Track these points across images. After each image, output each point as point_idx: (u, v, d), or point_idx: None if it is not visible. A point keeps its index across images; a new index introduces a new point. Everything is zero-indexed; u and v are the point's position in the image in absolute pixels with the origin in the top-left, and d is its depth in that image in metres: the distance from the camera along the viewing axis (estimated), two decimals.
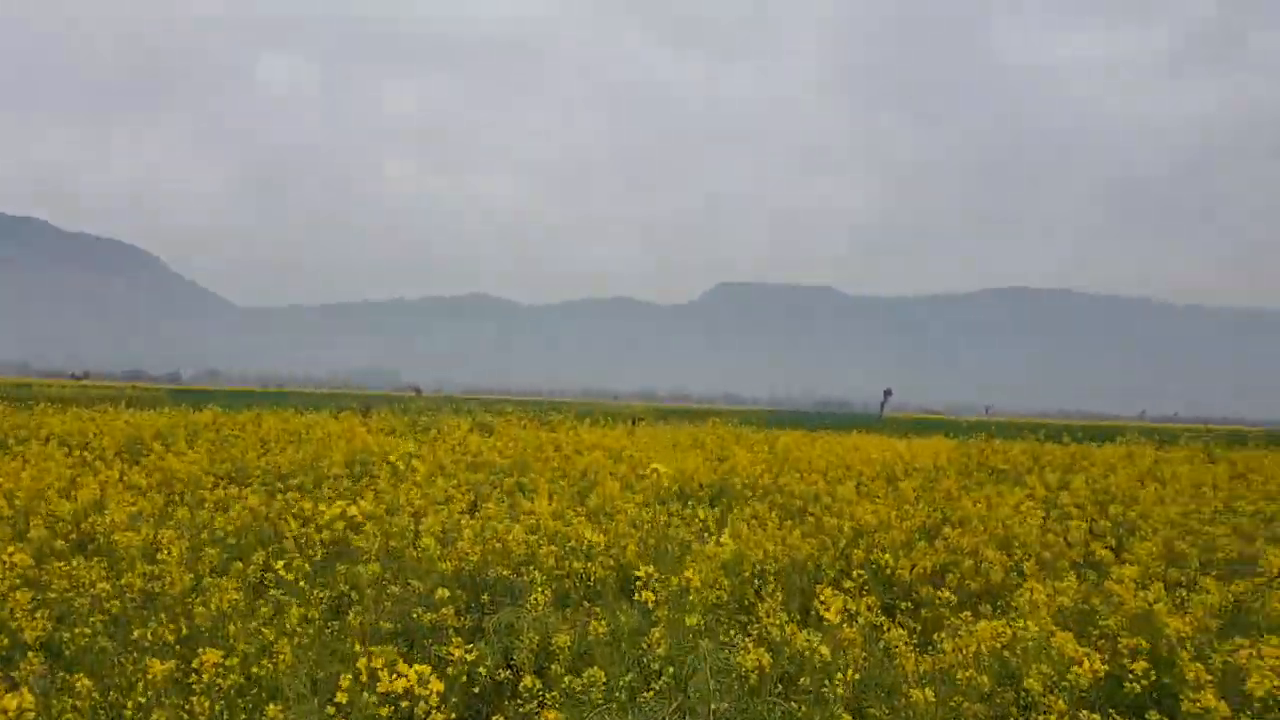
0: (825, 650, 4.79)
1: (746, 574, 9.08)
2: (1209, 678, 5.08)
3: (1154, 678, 5.72)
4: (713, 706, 4.74)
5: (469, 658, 5.56)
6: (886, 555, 10.01)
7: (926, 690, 4.64)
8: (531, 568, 8.33)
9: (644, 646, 5.56)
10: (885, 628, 6.78)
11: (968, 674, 5.29)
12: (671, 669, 4.83)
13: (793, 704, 4.58)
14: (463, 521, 10.06)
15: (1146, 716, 4.61)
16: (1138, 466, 22.13)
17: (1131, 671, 5.54)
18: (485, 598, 8.06)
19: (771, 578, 8.68)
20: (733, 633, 6.94)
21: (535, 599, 7.17)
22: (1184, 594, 7.27)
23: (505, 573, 8.40)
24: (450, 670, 5.38)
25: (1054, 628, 5.63)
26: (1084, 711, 4.01)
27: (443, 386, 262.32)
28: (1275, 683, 4.13)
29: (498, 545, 9.09)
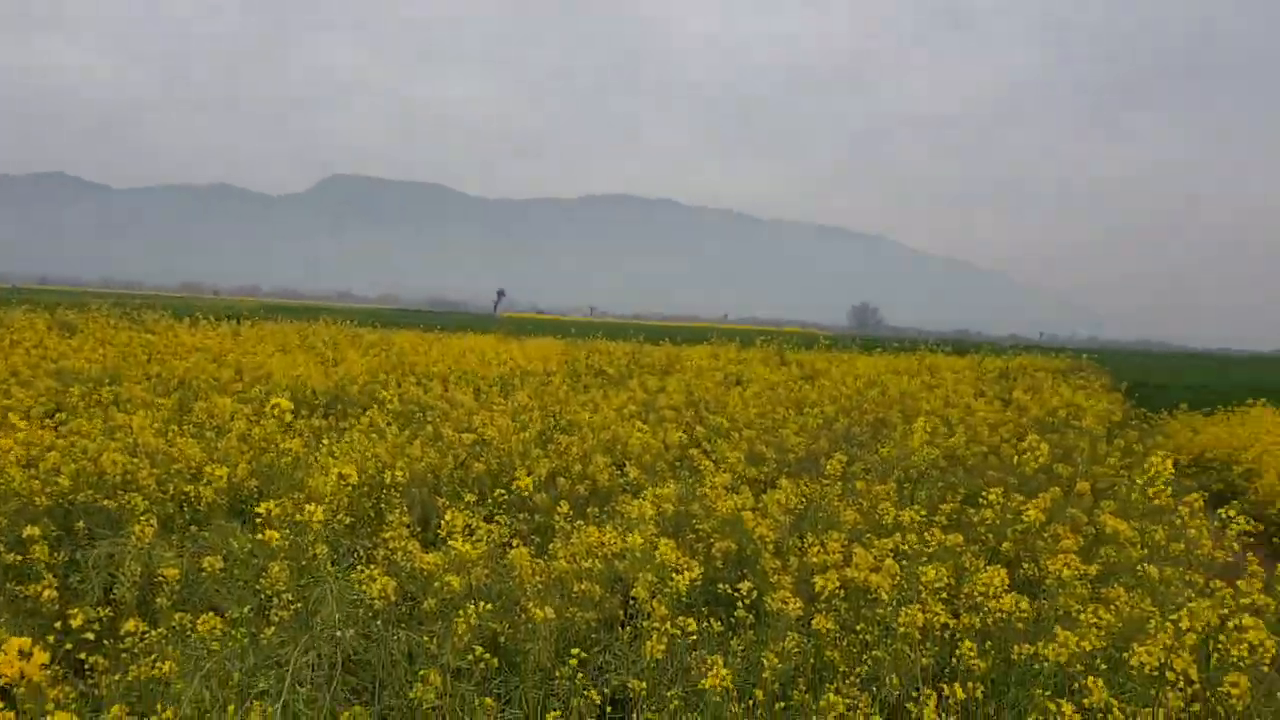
0: (455, 581, 4.93)
1: (365, 489, 9.00)
2: (788, 578, 5.83)
3: (743, 576, 6.46)
4: (339, 634, 4.73)
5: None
6: (505, 465, 10.37)
7: (546, 608, 4.94)
8: (131, 492, 7.72)
9: (263, 578, 5.40)
10: (508, 542, 7.06)
11: (582, 586, 5.69)
12: (295, 602, 4.75)
13: (423, 635, 4.69)
14: (47, 439, 9.07)
15: (735, 614, 5.24)
16: (723, 368, 24.36)
17: (722, 573, 6.24)
18: (80, 526, 7.38)
19: (394, 492, 8.67)
20: (358, 552, 6.91)
21: (137, 528, 6.67)
22: (760, 500, 8.19)
23: (101, 499, 7.72)
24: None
25: (657, 536, 6.16)
26: (680, 617, 4.48)
27: (8, 277, 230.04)
28: (837, 584, 4.84)
29: (90, 467, 8.31)
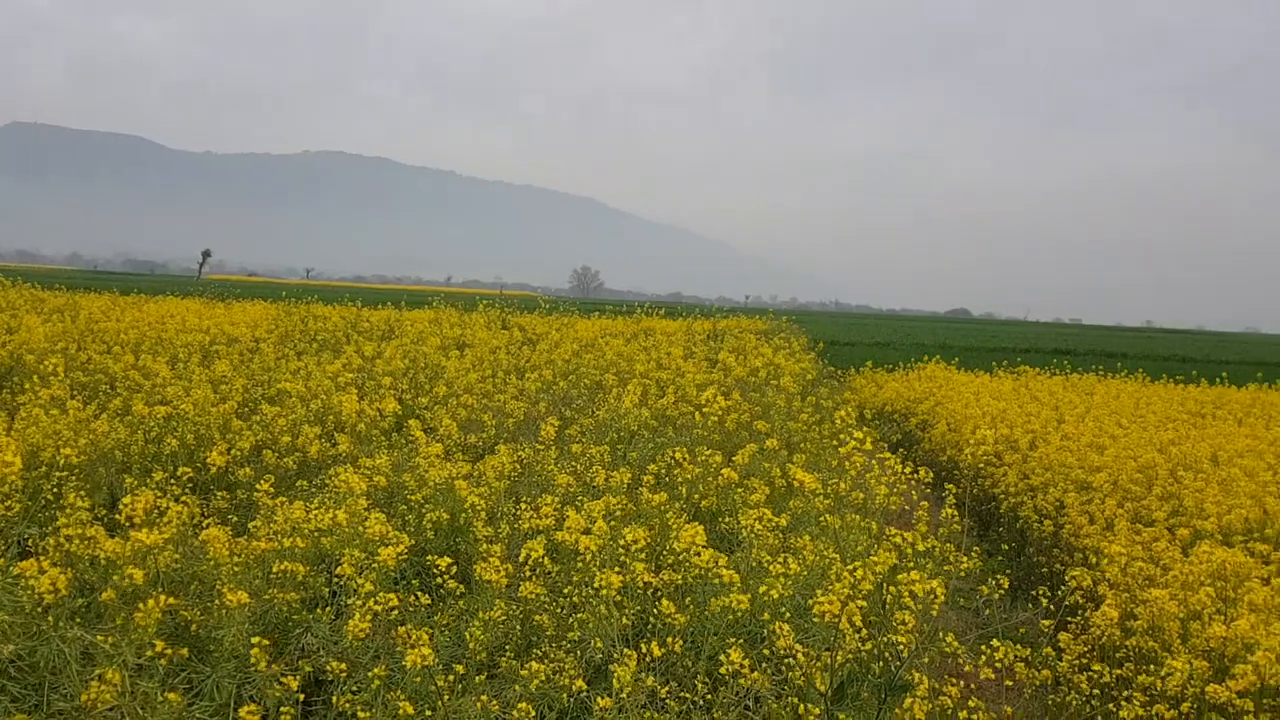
0: (137, 573, 4.56)
1: (44, 470, 8.19)
2: (499, 546, 5.84)
3: (453, 547, 6.44)
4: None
5: None
6: (203, 439, 9.74)
7: (240, 593, 4.68)
8: None
9: None
10: (201, 522, 6.64)
11: (284, 566, 5.44)
12: None
13: (99, 632, 4.31)
14: None
15: (446, 585, 5.19)
16: (444, 333, 24.04)
17: (434, 544, 6.18)
18: None
19: (72, 474, 7.93)
20: (29, 542, 6.28)
21: None
22: (477, 468, 8.16)
23: None
24: None
25: (366, 509, 5.99)
26: (387, 594, 4.38)
27: None
28: (544, 550, 4.91)
29: None
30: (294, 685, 4.27)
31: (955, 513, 6.54)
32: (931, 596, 4.15)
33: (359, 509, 5.83)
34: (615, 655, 3.94)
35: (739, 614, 4.33)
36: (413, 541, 6.25)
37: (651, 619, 4.52)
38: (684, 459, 7.85)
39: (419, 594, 4.99)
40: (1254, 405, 19.41)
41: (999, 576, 5.49)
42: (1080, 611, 6.45)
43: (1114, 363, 31.09)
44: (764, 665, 3.82)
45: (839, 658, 3.50)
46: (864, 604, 4.00)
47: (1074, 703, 5.15)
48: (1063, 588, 5.98)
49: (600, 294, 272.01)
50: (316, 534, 5.92)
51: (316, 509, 6.04)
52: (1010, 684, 5.63)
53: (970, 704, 3.74)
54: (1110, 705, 5.23)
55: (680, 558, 4.94)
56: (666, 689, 3.67)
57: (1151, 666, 5.28)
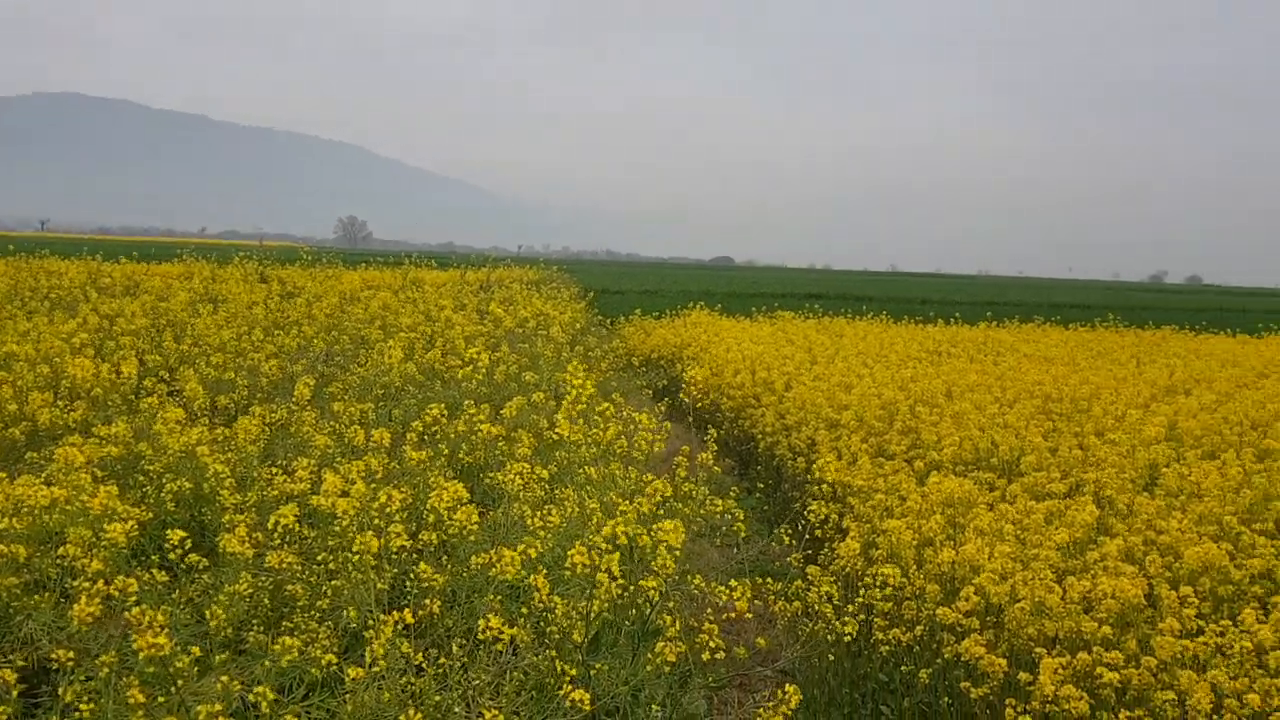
0: None
1: None
2: (248, 515, 5.53)
3: (198, 518, 6.06)
4: None
5: None
6: None
7: None
8: None
9: None
10: None
11: (3, 549, 4.95)
12: None
13: None
14: None
15: (186, 560, 4.86)
16: (194, 287, 22.56)
17: (177, 517, 5.79)
18: None
19: None
20: None
21: None
22: (227, 431, 7.71)
23: None
24: None
25: (92, 482, 5.53)
26: (120, 576, 4.06)
27: None
28: (295, 517, 4.68)
29: None
30: (10, 678, 3.90)
31: (710, 456, 6.74)
32: (683, 538, 4.25)
33: (82, 482, 5.37)
34: (370, 622, 3.82)
35: (498, 571, 4.29)
36: (151, 515, 5.84)
37: (408, 583, 4.41)
38: (442, 415, 7.70)
39: (155, 571, 4.65)
40: (985, 343, 21.08)
41: (738, 512, 5.69)
42: (830, 544, 6.83)
43: (861, 306, 33.02)
44: (523, 621, 3.81)
45: (594, 607, 3.53)
46: (616, 555, 4.04)
47: (821, 631, 5.45)
48: (803, 522, 6.29)
49: (369, 245, 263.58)
50: (38, 512, 5.42)
51: (34, 486, 5.52)
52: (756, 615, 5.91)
53: (712, 643, 3.86)
54: (877, 634, 5.57)
55: (440, 517, 4.84)
56: (422, 655, 3.59)
57: (890, 590, 5.66)
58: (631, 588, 3.78)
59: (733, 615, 4.51)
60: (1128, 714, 4.46)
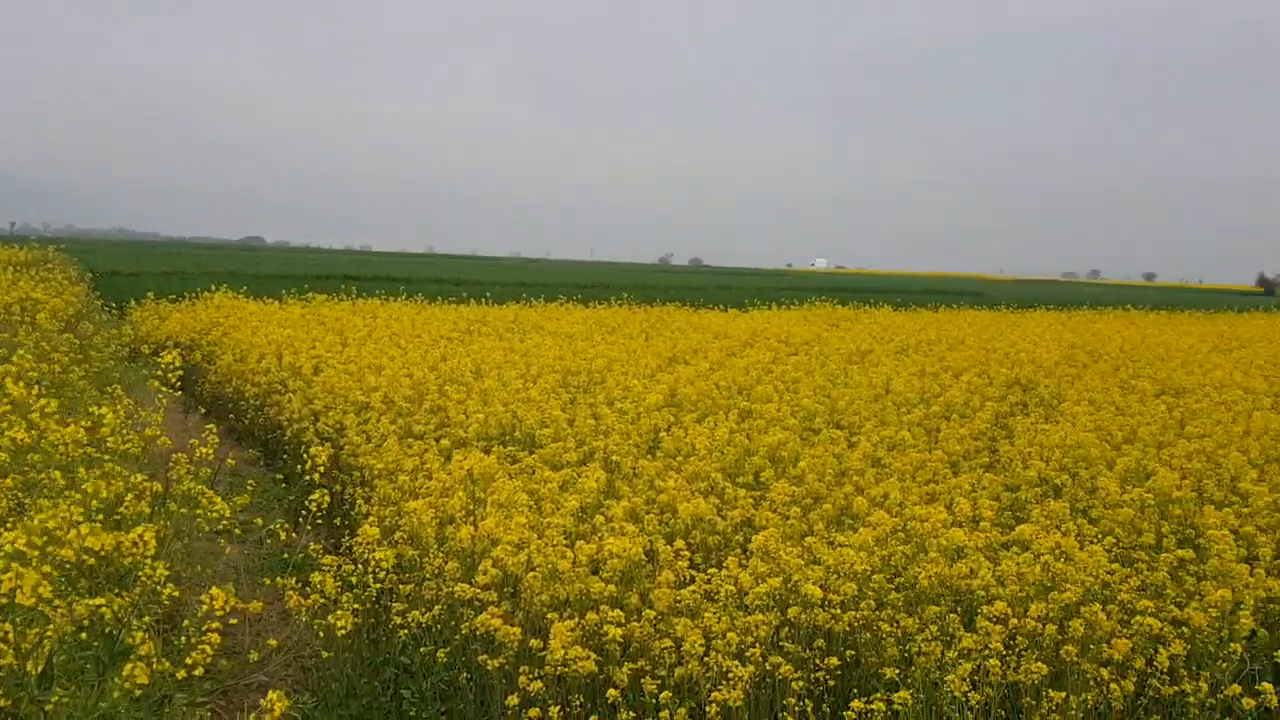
0: None
1: None
2: None
3: None
4: None
5: None
6: None
7: None
8: None
9: None
10: None
11: None
12: None
13: None
14: None
15: None
16: None
17: None
18: None
19: None
20: None
21: None
22: None
23: None
24: None
25: None
26: None
27: None
28: None
29: None
30: None
31: (210, 451, 6.21)
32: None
33: None
34: None
35: None
36: None
37: None
38: None
39: None
40: (514, 321, 21.79)
41: (239, 502, 5.32)
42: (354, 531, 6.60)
43: (398, 287, 32.77)
44: None
45: (49, 632, 3.05)
46: (52, 572, 3.54)
47: (344, 625, 5.25)
48: (305, 505, 6.00)
49: None
50: None
51: None
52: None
53: (199, 655, 3.53)
54: (395, 618, 5.43)
55: None
56: None
57: (412, 572, 5.59)
58: (99, 603, 3.32)
59: (234, 621, 4.17)
60: (631, 665, 4.76)
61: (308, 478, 5.93)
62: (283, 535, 5.86)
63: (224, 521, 4.77)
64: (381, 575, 5.29)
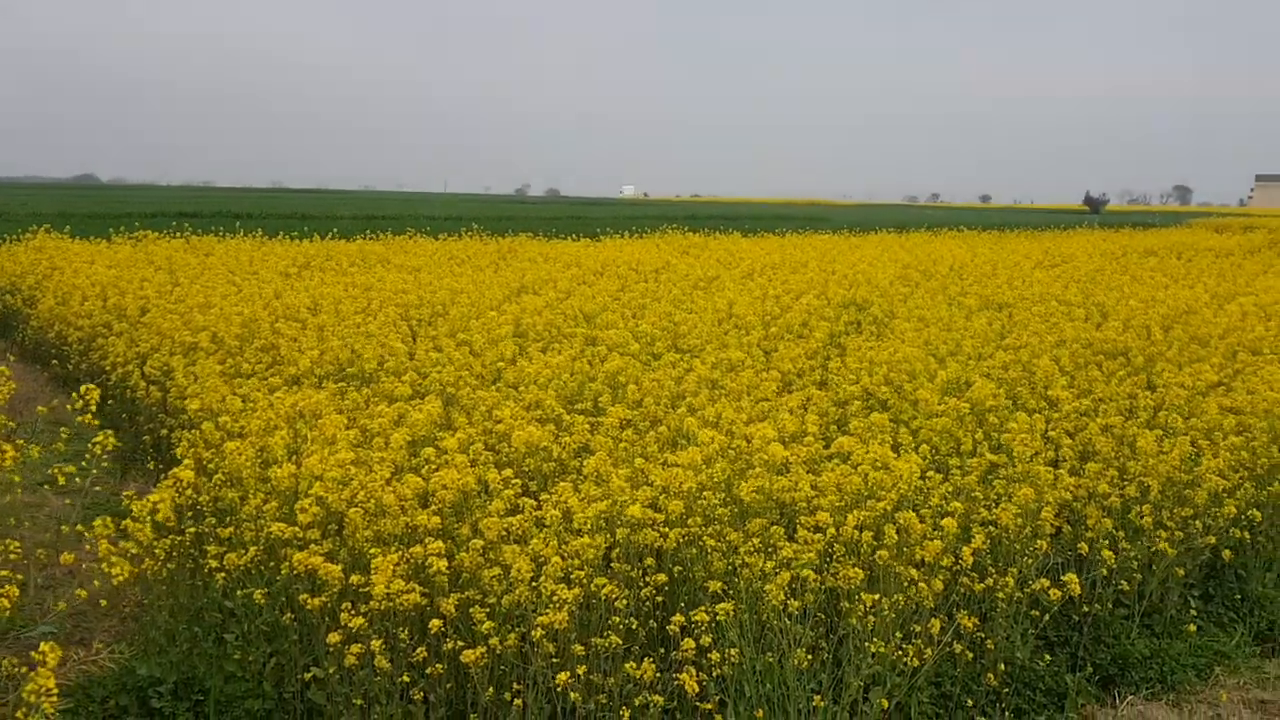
0: None
1: None
2: None
3: None
4: None
5: None
6: None
7: None
8: None
9: None
10: None
11: None
12: None
13: None
14: None
15: None
16: None
17: None
18: None
19: None
20: None
21: None
22: None
23: None
24: None
25: None
26: None
27: None
28: None
29: None
30: None
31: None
32: None
33: None
34: None
35: None
36: None
37: None
38: None
39: None
40: (359, 255, 21.18)
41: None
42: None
43: (235, 223, 31.32)
44: None
45: None
46: None
47: (154, 568, 5.05)
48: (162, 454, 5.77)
49: None
50: None
51: None
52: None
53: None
54: (206, 562, 5.26)
55: None
56: None
57: (231, 517, 5.41)
58: None
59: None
60: (458, 595, 4.75)
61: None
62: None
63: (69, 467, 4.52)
64: (212, 520, 5.11)
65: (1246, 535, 6.92)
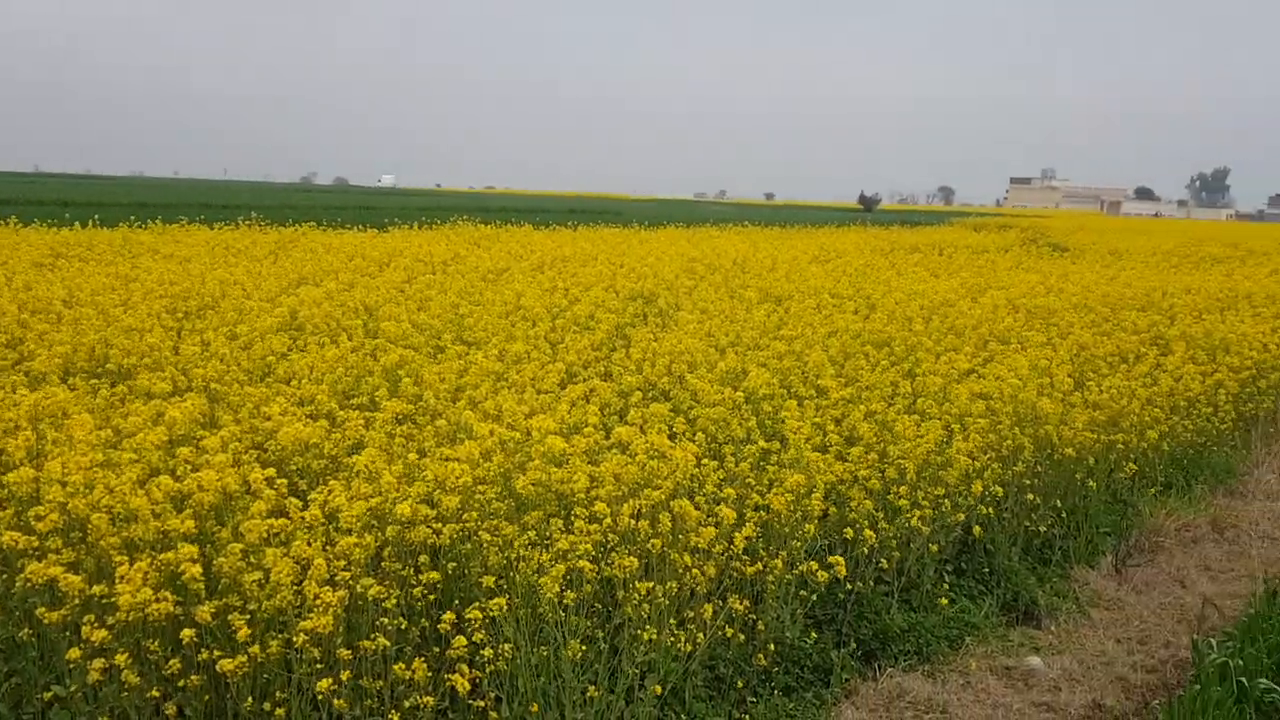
0: None
1: None
2: None
3: None
4: None
5: None
6: None
7: None
8: None
9: None
10: None
11: None
12: None
13: None
14: None
15: None
16: None
17: None
18: None
19: None
20: None
21: None
22: None
23: None
24: None
25: None
26: None
27: None
28: None
29: None
30: None
31: None
32: None
33: None
34: None
35: None
36: None
37: None
38: None
39: None
40: (124, 245, 19.78)
41: None
42: None
43: None
44: None
45: None
46: None
47: None
48: None
49: None
50: None
51: None
52: None
53: None
54: None
55: None
56: None
57: None
58: None
59: None
60: (214, 602, 4.49)
61: None
62: None
63: None
64: None
65: (993, 512, 7.46)
